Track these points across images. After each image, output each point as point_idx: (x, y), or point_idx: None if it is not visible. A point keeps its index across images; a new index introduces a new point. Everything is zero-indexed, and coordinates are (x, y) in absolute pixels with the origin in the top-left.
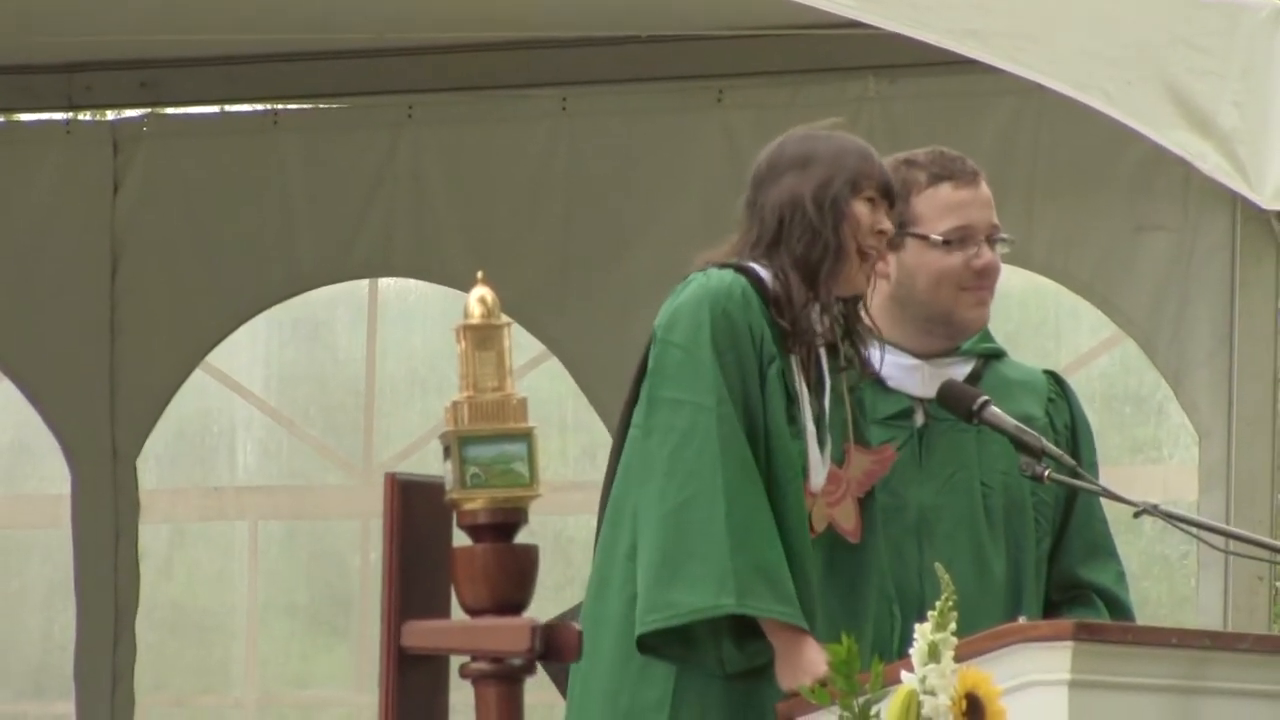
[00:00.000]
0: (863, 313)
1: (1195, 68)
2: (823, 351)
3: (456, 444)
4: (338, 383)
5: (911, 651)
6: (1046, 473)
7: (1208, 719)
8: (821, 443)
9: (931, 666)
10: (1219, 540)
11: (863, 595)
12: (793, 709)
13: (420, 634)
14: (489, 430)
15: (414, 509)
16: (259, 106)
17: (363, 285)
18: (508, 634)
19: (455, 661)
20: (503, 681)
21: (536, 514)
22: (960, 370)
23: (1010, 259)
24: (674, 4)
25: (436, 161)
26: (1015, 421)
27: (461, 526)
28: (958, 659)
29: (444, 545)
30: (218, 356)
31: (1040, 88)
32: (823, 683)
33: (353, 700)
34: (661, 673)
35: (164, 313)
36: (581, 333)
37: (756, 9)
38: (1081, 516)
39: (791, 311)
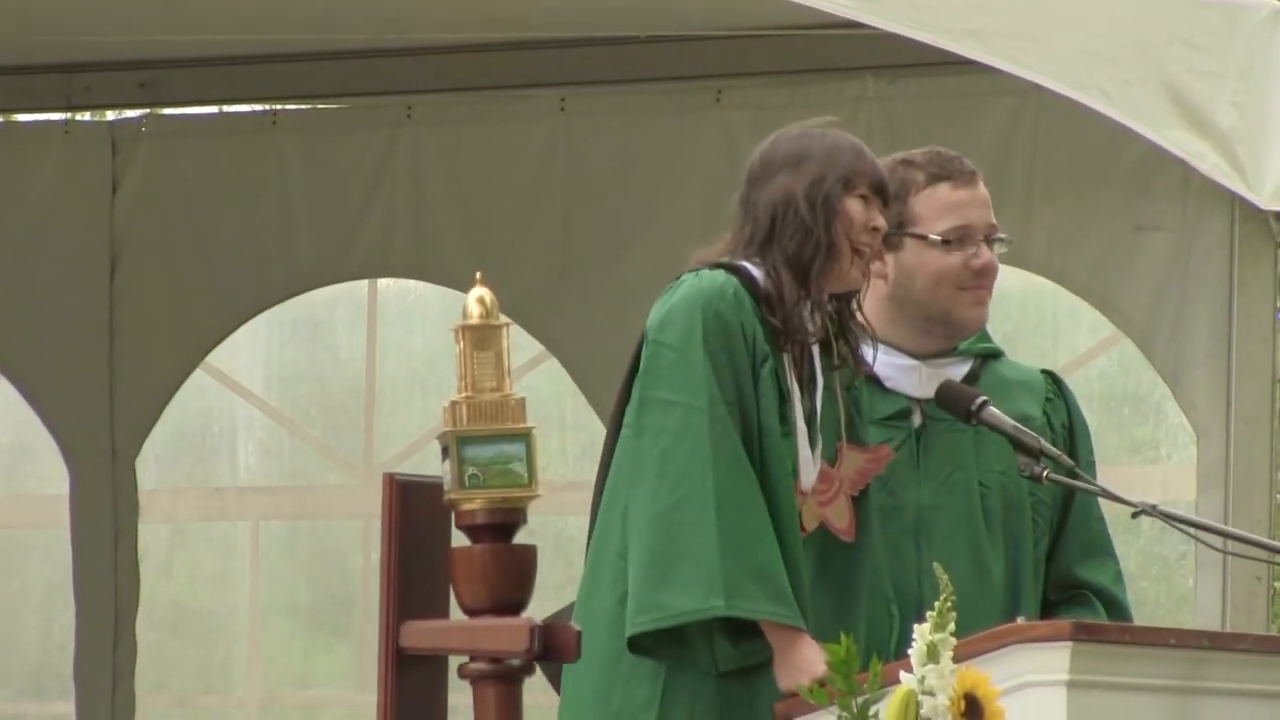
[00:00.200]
0: (857, 310)
1: (1194, 68)
2: (815, 349)
3: (455, 444)
4: (338, 383)
5: (910, 652)
6: (1045, 473)
7: (1206, 719)
8: (812, 441)
9: (930, 667)
10: (1217, 540)
11: (856, 595)
12: (791, 709)
13: (419, 634)
14: (487, 431)
15: (413, 509)
16: (258, 107)
17: (362, 285)
18: (506, 634)
19: (454, 662)
20: (501, 682)
21: (536, 514)
22: (958, 370)
23: (1009, 259)
24: (673, 4)
25: (436, 162)
26: (1014, 422)
27: (460, 527)
28: (956, 659)
29: (443, 546)
30: (218, 357)
31: (1039, 88)
32: (821, 683)
33: (354, 700)
34: (651, 671)
35: (163, 313)
36: (580, 333)
37: (755, 9)
38: (1079, 516)
39: (783, 310)
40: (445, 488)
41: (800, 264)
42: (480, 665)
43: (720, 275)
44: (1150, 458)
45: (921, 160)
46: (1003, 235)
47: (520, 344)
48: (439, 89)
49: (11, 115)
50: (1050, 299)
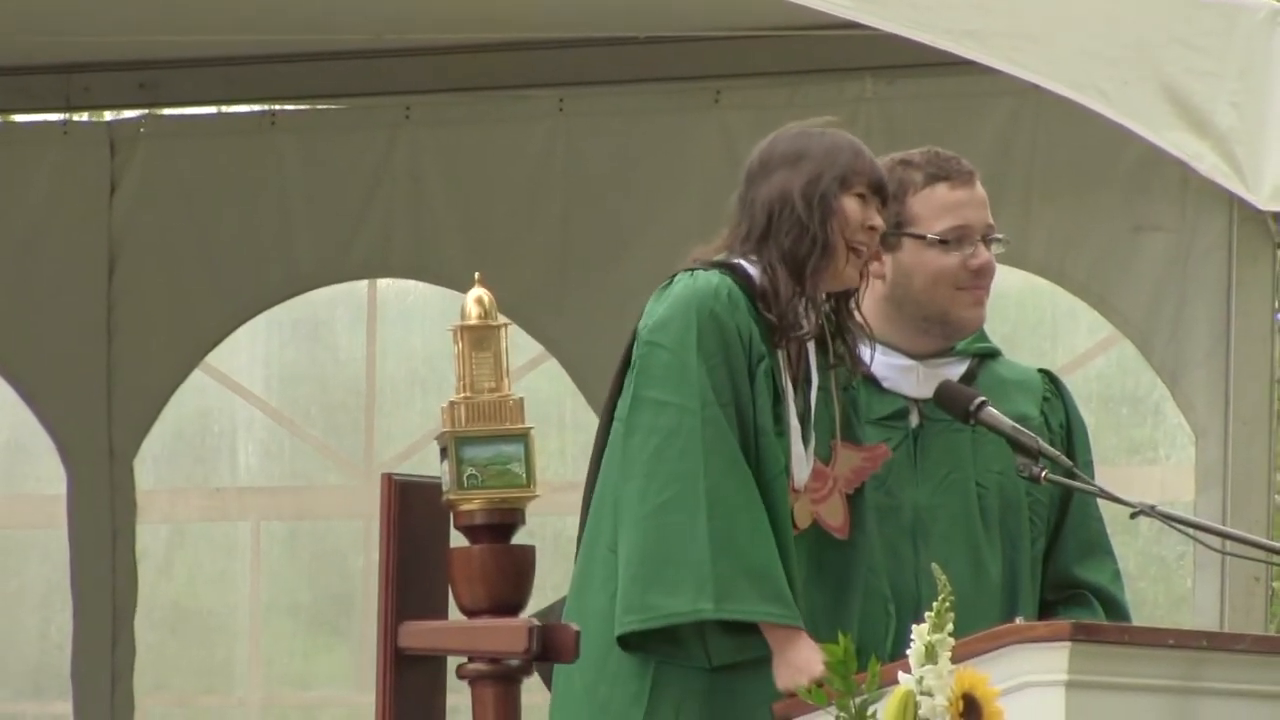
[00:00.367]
0: (854, 309)
1: (1193, 68)
2: (811, 348)
3: (453, 445)
4: (338, 383)
5: (908, 652)
6: (1043, 473)
7: (1205, 719)
8: (805, 438)
9: (928, 667)
10: (1216, 541)
11: (851, 593)
12: (789, 709)
13: (418, 635)
14: (486, 431)
15: (411, 510)
16: (257, 107)
17: (362, 285)
18: (505, 634)
19: (453, 662)
20: (500, 682)
21: (535, 514)
22: (955, 370)
23: (1008, 259)
24: (672, 5)
25: (435, 162)
26: (1012, 422)
27: (459, 527)
28: (955, 659)
29: (441, 546)
30: (218, 357)
31: (1038, 88)
32: (819, 683)
33: (355, 700)
34: (640, 667)
35: (161, 313)
36: (580, 333)
37: (754, 10)
38: (1077, 516)
39: (778, 305)
40: (444, 488)
41: (796, 261)
42: (479, 666)
43: (715, 276)
44: (1149, 458)
45: (919, 160)
46: (1000, 235)
47: (519, 344)
48: (438, 89)
49: (10, 115)
50: (1049, 299)
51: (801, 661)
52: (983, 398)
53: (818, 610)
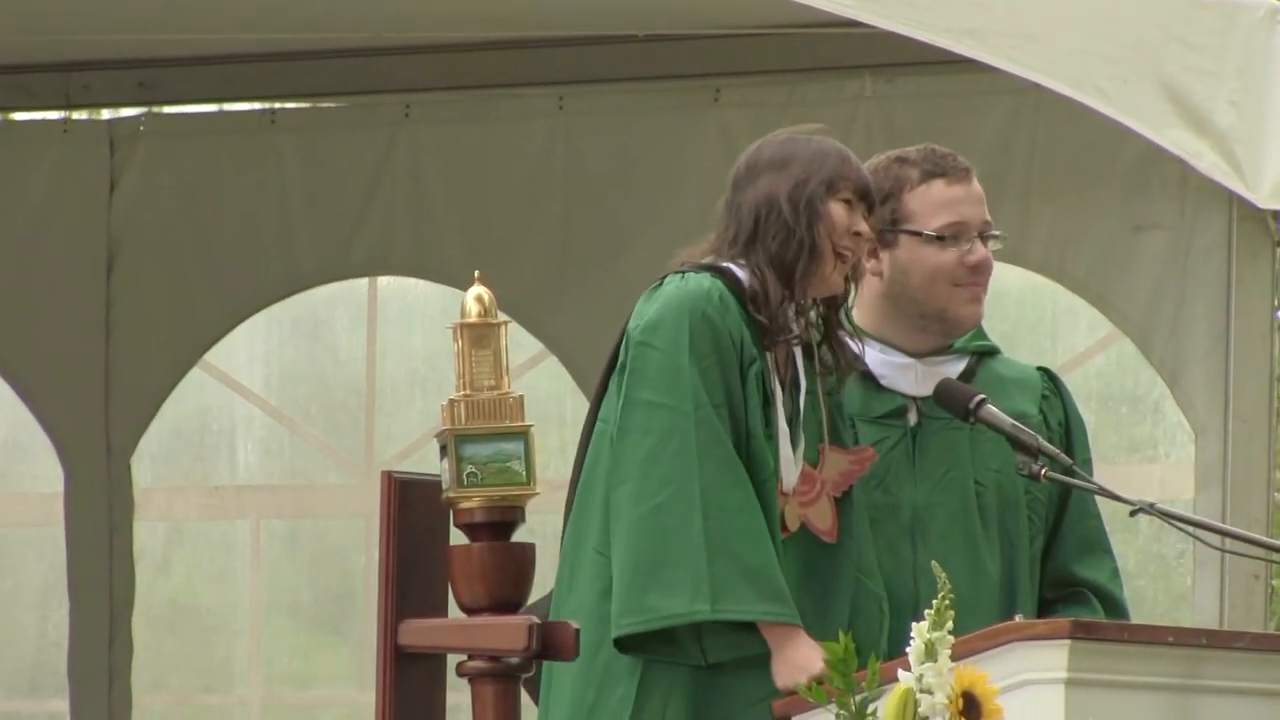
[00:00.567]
0: (843, 318)
1: (1192, 66)
2: (798, 352)
3: (453, 443)
4: (338, 382)
5: (907, 650)
6: (1043, 471)
7: (1204, 717)
8: (794, 442)
9: (928, 665)
10: (1215, 539)
11: (839, 595)
12: (789, 707)
13: (417, 632)
14: (485, 429)
15: (411, 508)
16: (256, 105)
17: (362, 284)
18: (505, 632)
19: (453, 660)
20: (499, 680)
21: (536, 512)
22: (954, 368)
23: (1007, 257)
24: (671, 3)
25: (434, 160)
26: (1012, 420)
27: (458, 525)
28: (954, 657)
29: (441, 544)
30: (217, 355)
31: (1037, 87)
32: (819, 680)
33: (355, 699)
34: (628, 667)
35: (160, 312)
36: (580, 331)
37: (754, 8)
38: (1075, 513)
39: (768, 309)
40: (444, 486)
41: (783, 264)
42: (478, 663)
43: (706, 279)
44: (1148, 456)
45: (916, 157)
46: (997, 232)
47: (519, 342)
48: (438, 87)
49: (10, 114)
50: (1049, 297)
51: (801, 659)
52: (982, 395)
53: (805, 613)
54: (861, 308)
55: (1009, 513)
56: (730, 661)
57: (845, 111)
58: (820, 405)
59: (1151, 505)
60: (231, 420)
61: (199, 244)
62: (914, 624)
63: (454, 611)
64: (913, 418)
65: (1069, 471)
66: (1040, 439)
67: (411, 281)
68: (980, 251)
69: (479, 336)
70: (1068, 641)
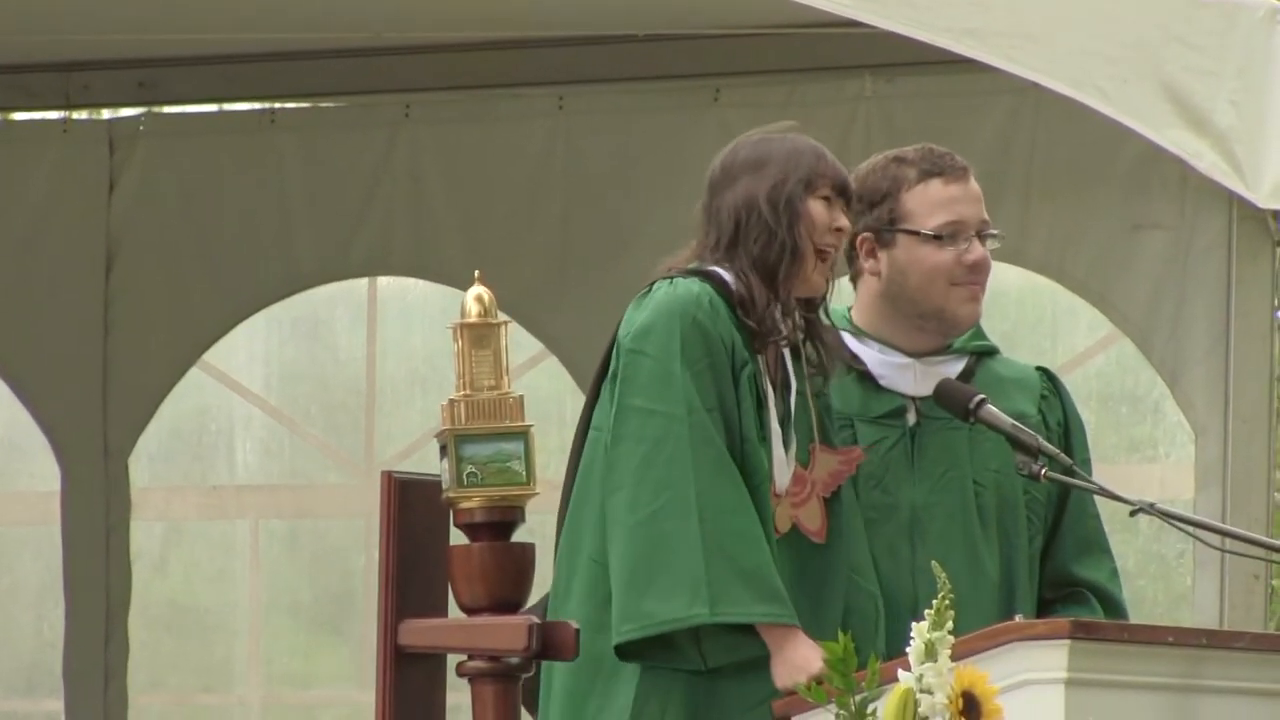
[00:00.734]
0: (823, 315)
1: (1192, 66)
2: (787, 353)
3: (453, 443)
4: (338, 382)
5: (907, 649)
6: (1043, 471)
7: (1204, 717)
8: (786, 443)
9: (928, 665)
10: (1215, 539)
11: (832, 596)
12: (789, 707)
13: (417, 632)
14: (485, 429)
15: (411, 507)
16: (256, 105)
17: (362, 284)
18: (504, 632)
19: (453, 660)
20: (499, 680)
21: (536, 512)
22: (952, 368)
23: (1007, 257)
24: (671, 3)
25: (434, 160)
26: (1011, 420)
27: (458, 525)
28: (954, 657)
29: (441, 544)
30: (217, 355)
31: (1037, 86)
32: (819, 680)
33: (355, 699)
34: (626, 675)
35: (158, 311)
36: (580, 331)
37: (754, 8)
38: (1074, 514)
39: (756, 312)
40: (444, 486)
41: (767, 266)
42: (478, 663)
43: (695, 284)
44: (1148, 456)
45: (913, 157)
46: (995, 231)
47: (519, 342)
48: (437, 87)
49: (9, 114)
50: (1049, 297)
51: (800, 660)
52: (982, 395)
53: (800, 613)
54: (860, 308)
55: (1008, 513)
56: (728, 665)
57: (845, 111)
58: (809, 405)
59: (1151, 505)
60: (230, 420)
61: (198, 244)
62: (914, 624)
63: (454, 611)
64: (911, 418)
65: (1069, 471)
66: (1040, 439)
67: (411, 281)
68: (978, 250)
69: (479, 336)
70: (1068, 641)
